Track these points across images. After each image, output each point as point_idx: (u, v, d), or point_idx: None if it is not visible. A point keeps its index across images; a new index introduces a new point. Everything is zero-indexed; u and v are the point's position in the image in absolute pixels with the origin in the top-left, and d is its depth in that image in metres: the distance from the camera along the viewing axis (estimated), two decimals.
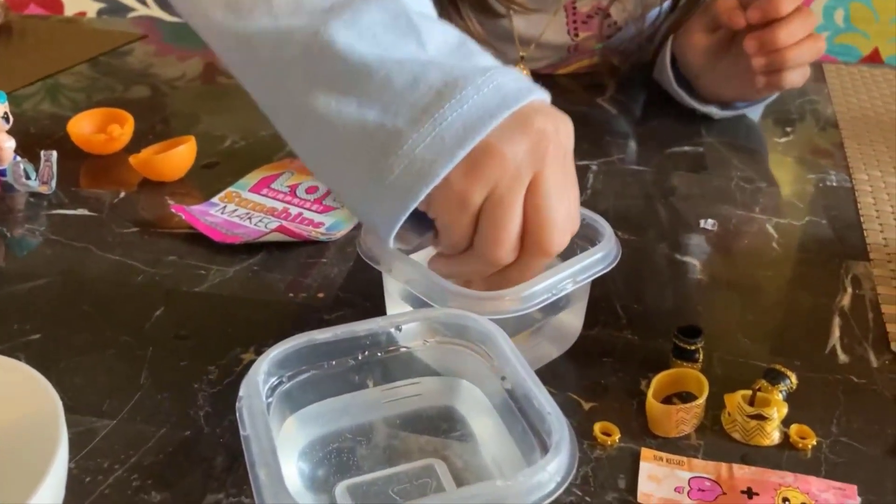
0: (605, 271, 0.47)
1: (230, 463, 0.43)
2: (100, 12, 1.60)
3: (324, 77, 0.44)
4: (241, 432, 0.35)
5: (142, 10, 1.60)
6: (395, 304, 0.50)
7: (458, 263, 0.46)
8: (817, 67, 0.99)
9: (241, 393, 0.37)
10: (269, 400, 0.38)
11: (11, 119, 0.70)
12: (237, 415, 0.37)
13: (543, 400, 0.36)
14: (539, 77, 0.92)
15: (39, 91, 0.91)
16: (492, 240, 0.43)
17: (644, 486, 0.43)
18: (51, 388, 0.37)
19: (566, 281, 0.45)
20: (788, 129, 0.84)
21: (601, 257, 0.47)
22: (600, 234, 0.49)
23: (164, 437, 0.45)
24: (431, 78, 0.43)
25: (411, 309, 0.48)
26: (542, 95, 0.46)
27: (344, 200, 0.49)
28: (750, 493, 0.42)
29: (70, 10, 1.60)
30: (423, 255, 0.48)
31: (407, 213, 0.43)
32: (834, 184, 0.73)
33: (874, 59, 1.43)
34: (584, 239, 0.51)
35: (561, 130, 0.44)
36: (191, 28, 0.53)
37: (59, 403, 0.36)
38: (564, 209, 0.44)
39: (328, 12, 0.45)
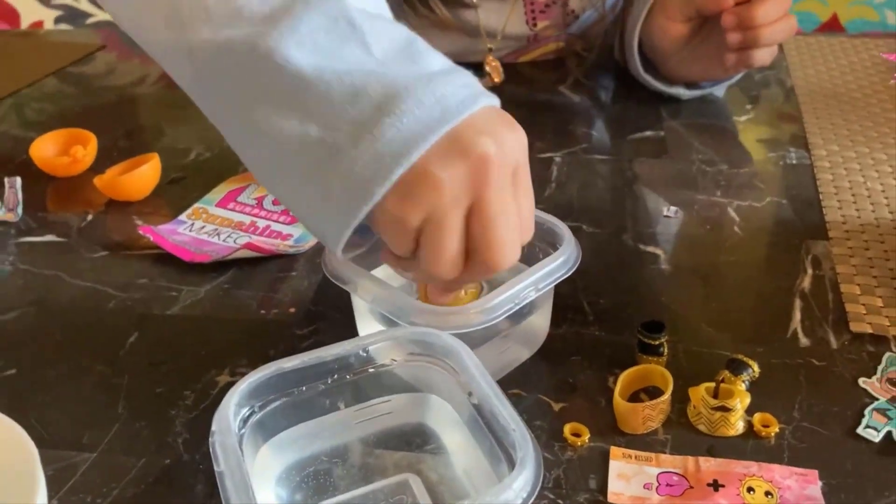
0: (565, 276, 0.48)
1: (211, 489, 0.44)
2: (57, 20, 1.58)
3: (264, 91, 0.44)
4: (216, 468, 0.36)
5: (100, 16, 1.58)
6: (364, 321, 0.51)
7: (405, 266, 0.46)
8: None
9: (213, 428, 0.38)
10: (242, 431, 0.39)
11: None
12: (210, 449, 0.38)
13: (507, 416, 0.37)
14: (502, 66, 0.93)
15: (0, 112, 0.90)
16: (432, 259, 0.43)
17: (614, 485, 0.44)
18: (25, 435, 0.37)
19: (528, 289, 0.46)
20: (749, 107, 0.85)
21: (562, 262, 0.48)
22: (560, 237, 0.50)
23: (145, 468, 0.46)
24: (371, 90, 0.42)
25: (379, 325, 0.49)
26: (490, 102, 0.45)
27: (293, 213, 0.49)
28: (716, 485, 0.44)
29: (26, 20, 1.58)
30: (387, 273, 0.49)
31: (350, 230, 0.43)
32: (794, 161, 0.74)
33: (833, 25, 1.44)
34: (545, 242, 0.52)
35: (507, 146, 0.43)
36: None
37: (35, 452, 0.36)
38: (512, 226, 0.43)
39: (267, 20, 0.43)
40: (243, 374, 0.51)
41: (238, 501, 0.34)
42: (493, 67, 0.91)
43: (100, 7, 1.58)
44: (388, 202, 0.41)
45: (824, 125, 0.79)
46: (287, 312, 0.58)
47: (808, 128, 0.79)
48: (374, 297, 0.47)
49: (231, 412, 0.38)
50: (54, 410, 0.50)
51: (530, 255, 0.52)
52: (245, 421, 0.40)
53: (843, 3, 1.42)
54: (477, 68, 0.90)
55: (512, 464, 0.36)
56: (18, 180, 0.69)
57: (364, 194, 0.41)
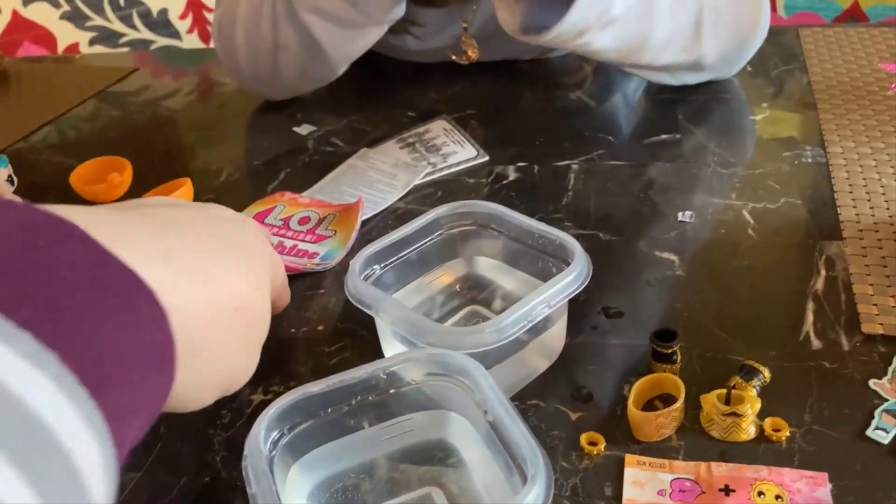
0: (577, 291, 0.50)
1: None
2: (91, 41, 1.63)
3: None
4: (248, 490, 0.39)
5: (132, 35, 1.63)
6: (387, 340, 0.53)
7: None
8: (793, 33, 1.01)
9: (245, 452, 0.41)
10: (273, 453, 0.42)
11: (16, 181, 0.73)
12: (243, 472, 0.40)
13: (519, 433, 0.39)
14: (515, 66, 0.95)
15: (40, 140, 0.95)
16: None
17: (629, 491, 0.46)
18: None
19: (541, 306, 0.48)
20: (765, 105, 0.86)
21: (573, 278, 0.50)
22: (571, 252, 0.52)
23: (186, 485, 0.49)
24: None
25: (401, 345, 0.51)
26: None
27: None
28: (727, 489, 0.46)
29: (63, 43, 1.63)
30: (407, 295, 0.52)
31: None
32: (809, 160, 0.75)
33: (855, 11, 1.43)
34: (558, 258, 0.54)
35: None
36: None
37: None
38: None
39: None
40: (276, 392, 0.55)
41: None
42: (469, 45, 0.92)
43: (131, 27, 1.63)
44: None
45: (841, 121, 0.80)
46: (315, 330, 0.60)
47: (824, 124, 0.79)
48: (394, 318, 0.49)
49: (261, 437, 0.41)
50: None
51: (543, 271, 0.54)
52: (275, 444, 0.42)
53: None
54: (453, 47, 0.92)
55: (524, 478, 0.38)
56: None
57: None
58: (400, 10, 0.82)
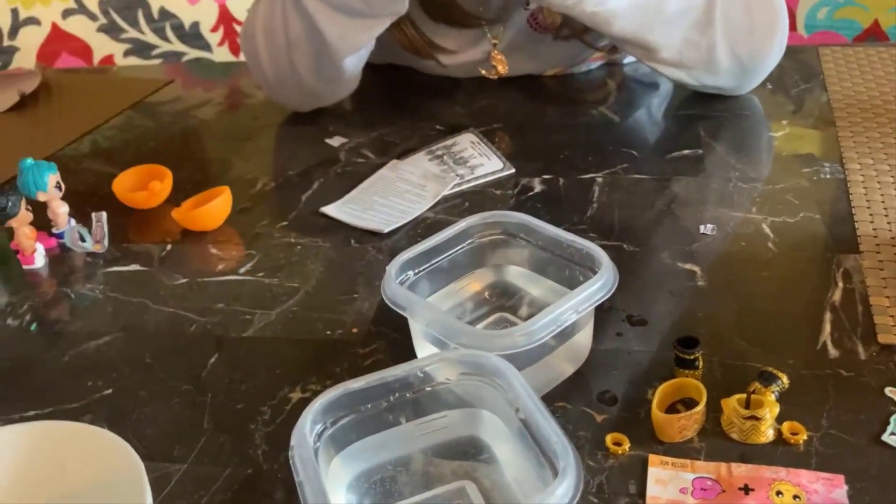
0: (604, 299, 0.53)
1: (288, 496, 0.50)
2: (126, 53, 1.68)
3: None
4: (295, 478, 0.42)
5: (165, 46, 1.68)
6: (420, 342, 0.56)
7: None
8: (813, 52, 1.03)
9: (292, 442, 0.44)
10: (317, 445, 0.45)
11: (63, 186, 0.77)
12: (290, 462, 0.43)
13: (550, 429, 0.42)
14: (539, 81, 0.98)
15: (81, 149, 0.98)
16: None
17: (652, 489, 0.48)
18: (132, 450, 0.43)
19: (569, 312, 0.51)
20: (785, 122, 0.88)
21: (600, 286, 0.53)
22: (598, 261, 0.55)
23: (230, 477, 0.52)
24: None
25: (433, 347, 0.54)
26: None
27: None
28: (747, 489, 0.48)
29: (98, 54, 1.68)
30: (437, 301, 0.54)
31: None
32: (828, 176, 0.77)
33: (875, 31, 1.45)
34: (585, 266, 0.56)
35: None
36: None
37: (142, 465, 0.42)
38: None
39: None
40: (314, 391, 0.57)
41: None
42: (499, 60, 0.95)
43: (164, 39, 1.68)
44: None
45: (860, 139, 0.82)
46: (350, 333, 0.63)
47: (842, 142, 0.81)
48: (428, 321, 0.52)
49: (307, 428, 0.44)
50: (147, 426, 0.56)
51: (571, 279, 0.57)
52: (319, 435, 0.45)
53: (884, 8, 1.42)
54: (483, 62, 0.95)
55: (555, 472, 0.41)
56: (104, 215, 0.76)
57: None
58: (402, 6, 0.84)
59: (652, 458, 0.50)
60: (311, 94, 0.96)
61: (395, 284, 0.54)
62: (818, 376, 0.55)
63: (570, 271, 0.57)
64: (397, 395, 0.47)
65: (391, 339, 0.62)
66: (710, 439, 0.51)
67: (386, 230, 0.74)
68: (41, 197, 0.75)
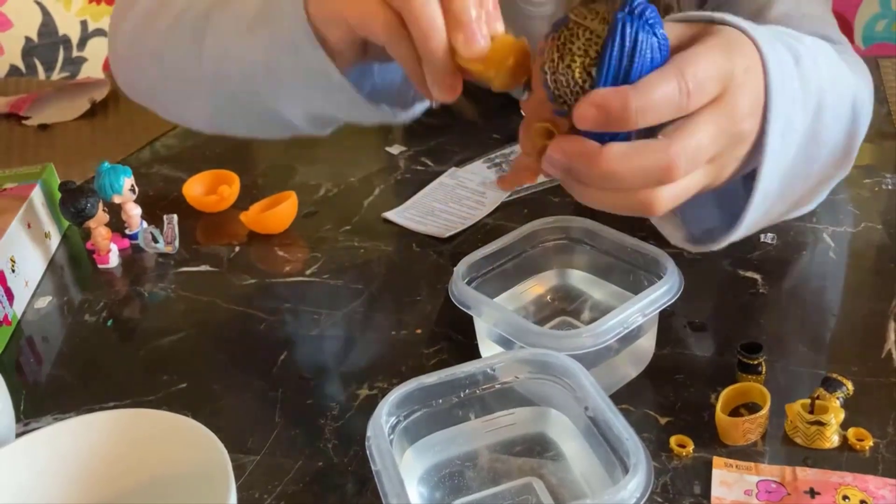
0: (669, 303, 0.54)
1: (359, 488, 0.51)
2: None
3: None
4: (373, 467, 0.43)
5: None
6: (486, 344, 0.57)
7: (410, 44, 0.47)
8: (872, 64, 1.02)
9: (368, 433, 0.45)
10: (391, 437, 0.46)
11: (137, 190, 0.80)
12: (367, 452, 0.45)
13: (621, 427, 0.43)
14: None
15: (150, 154, 1.01)
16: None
17: (717, 490, 0.49)
18: (217, 440, 0.45)
19: (635, 315, 0.52)
20: None
21: (666, 290, 0.54)
22: (663, 267, 0.56)
23: (301, 469, 0.53)
24: None
25: (498, 347, 0.55)
26: None
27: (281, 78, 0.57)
28: (812, 492, 0.48)
29: None
30: (501, 303, 0.55)
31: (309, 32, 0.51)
32: (889, 187, 0.77)
33: None
34: (650, 272, 0.57)
35: None
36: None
37: (226, 455, 0.44)
38: None
39: None
40: (381, 389, 0.59)
41: (394, 494, 0.41)
42: None
43: None
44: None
45: None
46: (414, 333, 0.65)
47: None
48: (496, 321, 0.53)
49: (383, 420, 0.45)
50: (221, 419, 0.58)
51: (636, 284, 0.58)
52: (393, 428, 0.47)
53: None
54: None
55: (625, 469, 0.42)
56: (175, 217, 0.79)
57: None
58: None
59: (716, 460, 0.51)
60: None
61: (463, 285, 0.56)
62: (883, 384, 0.55)
63: (635, 276, 0.58)
64: (467, 391, 0.49)
65: (454, 340, 0.63)
66: (773, 443, 0.52)
67: (447, 235, 0.76)
68: (116, 199, 0.78)
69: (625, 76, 0.41)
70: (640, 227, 0.74)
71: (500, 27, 0.47)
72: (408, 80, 0.50)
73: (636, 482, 0.40)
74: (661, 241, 0.72)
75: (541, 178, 0.82)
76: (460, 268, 0.58)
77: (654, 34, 0.41)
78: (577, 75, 0.41)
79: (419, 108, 0.60)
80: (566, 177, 0.44)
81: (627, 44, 0.40)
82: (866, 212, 0.73)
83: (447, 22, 0.46)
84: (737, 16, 0.47)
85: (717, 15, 0.47)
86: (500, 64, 0.46)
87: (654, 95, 0.41)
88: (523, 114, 0.46)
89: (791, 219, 0.69)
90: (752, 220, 0.50)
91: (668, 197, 0.43)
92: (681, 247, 0.55)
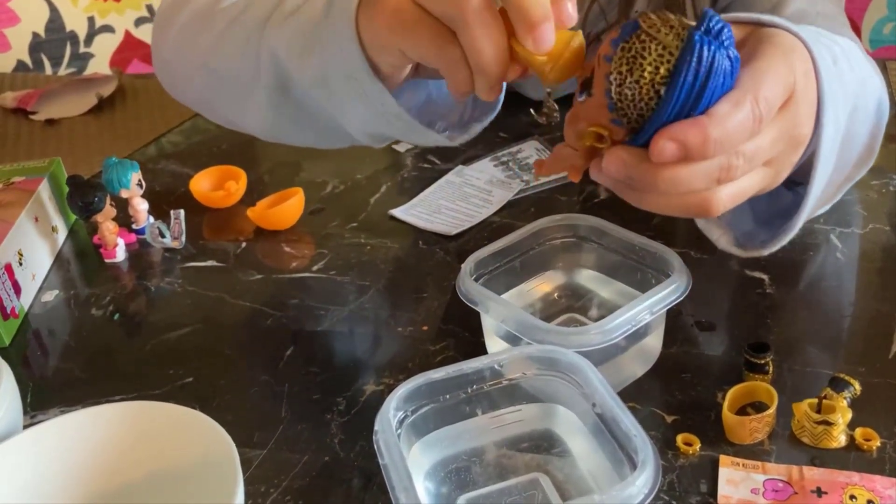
0: (677, 301, 0.54)
1: (365, 483, 0.51)
2: None
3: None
4: (380, 461, 0.43)
5: None
6: (493, 340, 0.57)
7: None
8: (880, 66, 1.02)
9: (376, 427, 0.45)
10: (399, 431, 0.46)
11: (144, 184, 0.80)
12: (375, 446, 0.45)
13: (629, 423, 0.43)
14: None
15: (156, 150, 1.02)
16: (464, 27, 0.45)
17: (723, 489, 0.49)
18: (225, 433, 0.45)
19: (644, 313, 0.52)
20: None
21: (674, 288, 0.54)
22: (671, 265, 0.56)
23: (308, 463, 0.53)
24: None
25: (504, 343, 0.55)
26: None
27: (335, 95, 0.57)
28: (819, 492, 0.48)
29: None
30: (509, 300, 0.55)
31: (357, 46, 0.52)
32: None
33: None
34: (658, 270, 0.57)
35: None
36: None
37: (234, 448, 0.44)
38: None
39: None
40: (387, 384, 0.59)
41: (402, 488, 0.41)
42: (550, 108, 0.96)
43: None
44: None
45: None
46: (420, 330, 0.65)
47: None
48: (503, 317, 0.53)
49: (390, 414, 0.45)
50: (228, 413, 0.58)
51: (644, 282, 0.58)
52: (401, 422, 0.47)
53: None
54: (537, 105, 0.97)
55: (633, 466, 0.42)
56: (182, 212, 0.79)
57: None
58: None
59: (723, 458, 0.51)
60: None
61: (471, 281, 0.56)
62: (890, 385, 0.55)
63: (642, 274, 0.58)
64: (474, 387, 0.49)
65: (461, 336, 0.63)
66: (780, 443, 0.52)
67: (453, 233, 0.76)
68: (124, 194, 0.79)
69: (695, 99, 0.40)
70: (648, 225, 0.75)
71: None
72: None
73: (644, 478, 0.40)
74: (668, 240, 0.72)
75: (554, 176, 0.82)
76: (468, 264, 0.58)
77: (728, 57, 0.40)
78: (644, 92, 0.40)
79: (476, 127, 0.59)
80: (619, 184, 0.44)
81: (703, 67, 0.39)
82: (874, 213, 0.73)
83: (517, 21, 0.45)
84: (752, 12, 0.47)
85: (766, 17, 0.47)
86: (558, 57, 0.45)
87: (731, 125, 0.40)
88: (575, 112, 0.45)
89: None
90: (801, 222, 0.51)
91: (726, 197, 0.44)
92: (728, 251, 0.55)
